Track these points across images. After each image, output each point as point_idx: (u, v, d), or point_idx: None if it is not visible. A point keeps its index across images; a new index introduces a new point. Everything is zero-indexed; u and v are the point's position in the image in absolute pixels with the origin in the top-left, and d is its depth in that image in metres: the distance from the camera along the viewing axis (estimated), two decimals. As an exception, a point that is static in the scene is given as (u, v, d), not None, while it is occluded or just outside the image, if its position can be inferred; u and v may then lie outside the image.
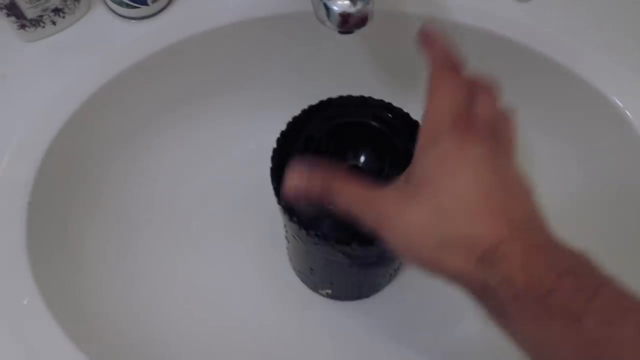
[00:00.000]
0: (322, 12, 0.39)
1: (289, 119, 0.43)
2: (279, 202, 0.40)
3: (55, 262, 0.46)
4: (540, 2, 0.51)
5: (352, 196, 0.34)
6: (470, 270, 0.30)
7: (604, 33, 0.50)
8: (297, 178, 0.35)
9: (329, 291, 0.54)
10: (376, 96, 0.44)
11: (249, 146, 0.59)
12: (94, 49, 0.48)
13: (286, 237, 0.50)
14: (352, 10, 0.38)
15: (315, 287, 0.55)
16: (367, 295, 0.55)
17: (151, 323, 0.51)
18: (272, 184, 0.40)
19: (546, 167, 0.50)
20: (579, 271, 0.28)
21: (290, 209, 0.40)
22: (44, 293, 0.42)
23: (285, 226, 0.46)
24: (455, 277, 0.31)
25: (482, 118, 0.35)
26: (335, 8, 0.38)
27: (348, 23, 0.38)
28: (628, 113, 0.48)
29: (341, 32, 0.39)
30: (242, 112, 0.58)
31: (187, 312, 0.53)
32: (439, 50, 0.36)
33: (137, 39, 0.48)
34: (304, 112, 0.43)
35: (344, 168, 0.39)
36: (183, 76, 0.53)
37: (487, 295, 0.30)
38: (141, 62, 0.49)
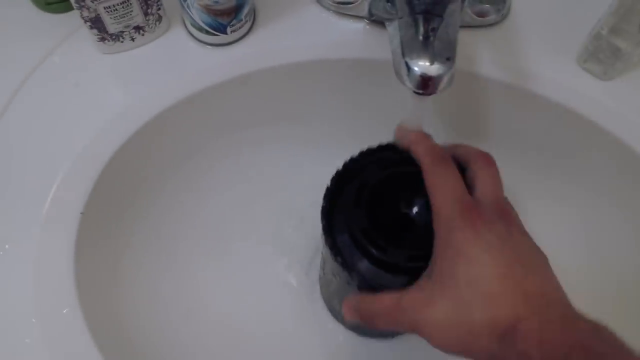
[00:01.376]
0: (403, 70, 0.38)
1: (345, 157, 0.43)
2: (326, 242, 0.41)
3: (98, 275, 0.46)
4: (624, 83, 0.50)
5: (386, 319, 0.38)
6: (494, 349, 0.33)
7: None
8: (348, 316, 0.40)
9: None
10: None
11: (300, 179, 0.59)
12: (167, 70, 0.49)
13: (322, 267, 0.50)
14: (434, 74, 0.37)
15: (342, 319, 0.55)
16: (393, 335, 0.56)
17: (182, 341, 0.51)
18: (322, 222, 0.41)
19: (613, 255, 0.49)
20: (589, 343, 0.30)
21: (336, 249, 0.40)
22: (83, 305, 0.42)
23: (323, 261, 0.47)
24: (482, 357, 0.34)
25: (487, 200, 0.37)
26: (416, 69, 0.37)
27: (428, 87, 0.38)
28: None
29: (416, 93, 0.39)
30: (298, 146, 0.58)
31: (219, 333, 0.53)
32: (423, 145, 0.39)
33: (209, 65, 0.49)
34: (361, 154, 0.43)
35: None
36: (247, 106, 0.53)
37: None
38: (210, 88, 0.49)
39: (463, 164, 0.39)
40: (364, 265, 0.39)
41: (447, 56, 0.38)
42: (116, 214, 0.49)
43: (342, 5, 0.50)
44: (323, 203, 0.41)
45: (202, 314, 0.54)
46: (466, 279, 0.34)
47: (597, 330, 0.31)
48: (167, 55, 0.49)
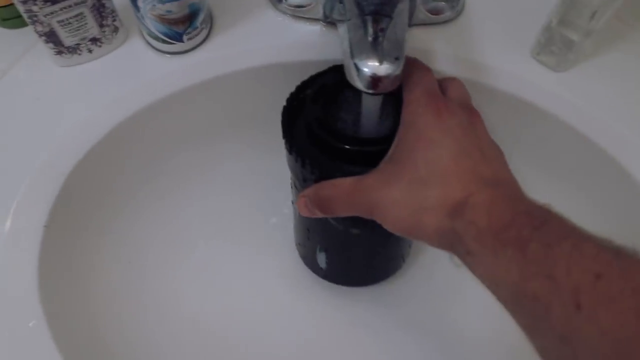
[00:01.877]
0: (353, 71, 0.39)
1: None
2: (284, 137, 0.43)
3: (64, 287, 0.46)
4: (577, 74, 0.51)
5: (344, 202, 0.39)
6: (442, 225, 0.35)
7: (636, 110, 0.49)
8: (303, 208, 0.42)
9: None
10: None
11: (266, 181, 0.60)
12: (127, 79, 0.49)
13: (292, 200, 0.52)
14: (383, 73, 0.38)
15: (312, 265, 0.58)
16: (365, 283, 0.59)
17: (154, 348, 0.52)
18: (281, 120, 0.44)
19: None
20: (535, 212, 0.32)
21: (291, 141, 0.43)
22: (49, 317, 0.42)
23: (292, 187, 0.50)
24: (430, 234, 0.36)
25: (454, 96, 0.40)
26: (365, 70, 0.38)
27: (378, 87, 0.38)
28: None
29: (368, 94, 0.39)
30: (262, 148, 0.58)
31: (193, 338, 0.54)
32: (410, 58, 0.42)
33: (167, 72, 0.49)
34: (330, 67, 0.46)
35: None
36: (209, 112, 0.54)
37: (455, 242, 0.34)
38: (170, 96, 0.49)
39: None
40: (315, 154, 0.42)
41: (395, 56, 0.38)
42: (81, 225, 0.49)
43: (297, 9, 0.51)
44: (285, 104, 0.45)
45: (174, 319, 0.54)
46: (424, 159, 0.36)
47: (543, 207, 0.32)
48: (126, 65, 0.50)
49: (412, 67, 0.41)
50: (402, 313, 0.58)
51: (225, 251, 0.59)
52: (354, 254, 0.54)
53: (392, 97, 0.41)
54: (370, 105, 0.42)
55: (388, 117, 0.43)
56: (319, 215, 0.41)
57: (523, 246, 0.30)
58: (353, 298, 0.58)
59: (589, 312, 0.26)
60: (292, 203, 0.52)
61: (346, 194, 0.39)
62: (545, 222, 0.30)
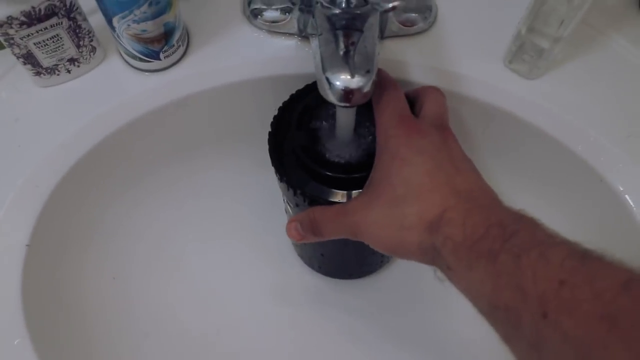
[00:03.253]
0: (325, 85, 0.39)
1: None
2: (273, 164, 0.44)
3: (48, 304, 0.47)
4: (549, 81, 0.52)
5: (331, 225, 0.41)
6: (423, 241, 0.35)
7: (608, 115, 0.50)
8: (294, 235, 0.43)
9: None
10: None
11: (248, 194, 0.61)
12: (106, 98, 0.49)
13: (285, 209, 0.53)
14: (354, 86, 0.39)
15: (309, 261, 0.60)
16: (358, 276, 0.60)
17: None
18: (268, 146, 0.45)
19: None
20: (507, 222, 0.32)
21: (281, 170, 0.44)
22: (34, 334, 0.43)
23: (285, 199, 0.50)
24: (414, 252, 0.36)
25: (429, 112, 0.41)
26: (337, 84, 0.39)
27: (350, 100, 0.39)
28: (628, 198, 0.48)
29: (341, 107, 0.40)
30: (243, 162, 0.59)
31: (182, 350, 0.54)
32: (377, 74, 0.41)
33: (146, 90, 0.50)
34: (307, 86, 0.48)
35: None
36: (189, 127, 0.54)
37: (436, 257, 0.35)
38: (149, 113, 0.50)
39: (414, 99, 0.43)
40: (305, 181, 0.44)
41: (366, 69, 0.39)
42: (64, 242, 0.49)
43: (273, 24, 0.52)
44: (270, 130, 0.46)
45: (162, 332, 0.54)
46: (400, 178, 0.37)
47: (517, 214, 0.33)
48: (105, 84, 0.50)
49: (381, 86, 0.42)
50: (396, 299, 0.59)
51: (214, 261, 0.59)
52: (348, 254, 0.55)
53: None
54: (345, 118, 0.43)
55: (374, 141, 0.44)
56: (310, 239, 0.43)
57: (494, 258, 0.30)
58: (348, 289, 0.60)
59: (554, 319, 0.26)
60: (286, 211, 0.53)
61: (332, 218, 0.41)
62: (515, 232, 0.31)
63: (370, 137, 0.45)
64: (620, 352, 0.24)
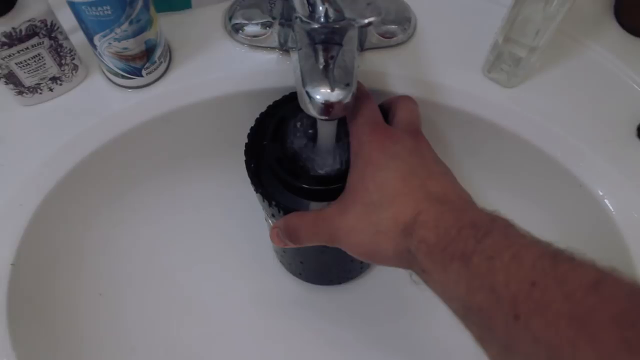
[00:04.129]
0: (306, 99, 0.40)
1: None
2: (248, 175, 0.45)
3: (34, 323, 0.47)
4: (528, 89, 0.52)
5: (309, 232, 0.41)
6: (398, 245, 0.36)
7: (586, 121, 0.51)
8: (276, 241, 0.44)
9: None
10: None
11: (232, 208, 0.62)
12: (89, 115, 0.50)
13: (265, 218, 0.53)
14: (334, 100, 0.39)
15: (290, 267, 0.61)
16: (339, 282, 0.61)
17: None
18: (245, 158, 0.45)
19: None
20: (480, 223, 0.32)
21: (256, 181, 0.45)
22: (20, 355, 0.43)
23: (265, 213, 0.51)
24: (390, 256, 0.37)
25: (401, 119, 0.42)
26: (318, 97, 0.39)
27: (330, 113, 0.39)
28: (607, 202, 0.49)
29: (322, 120, 0.40)
30: (228, 177, 0.59)
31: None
32: None
33: (129, 106, 0.50)
34: (284, 97, 0.48)
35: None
36: (173, 143, 0.55)
37: (411, 261, 0.35)
38: (133, 129, 0.50)
39: (387, 108, 0.44)
40: (280, 192, 0.44)
41: (346, 82, 0.39)
42: (49, 261, 0.49)
43: (254, 39, 0.52)
44: (247, 141, 0.46)
45: (150, 348, 0.55)
46: (374, 184, 0.38)
47: (490, 215, 0.34)
48: (88, 101, 0.50)
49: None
50: (377, 305, 0.60)
51: (198, 273, 0.60)
52: (326, 261, 0.56)
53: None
54: (326, 131, 0.43)
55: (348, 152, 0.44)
56: (289, 245, 0.43)
57: (467, 260, 0.31)
58: (330, 295, 0.61)
59: (525, 320, 0.27)
60: (266, 220, 0.53)
61: (310, 224, 0.41)
62: (488, 232, 0.31)
63: (346, 148, 0.45)
64: (588, 351, 0.24)
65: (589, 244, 0.49)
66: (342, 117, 0.44)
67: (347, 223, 0.39)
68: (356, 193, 0.39)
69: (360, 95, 0.43)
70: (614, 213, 0.48)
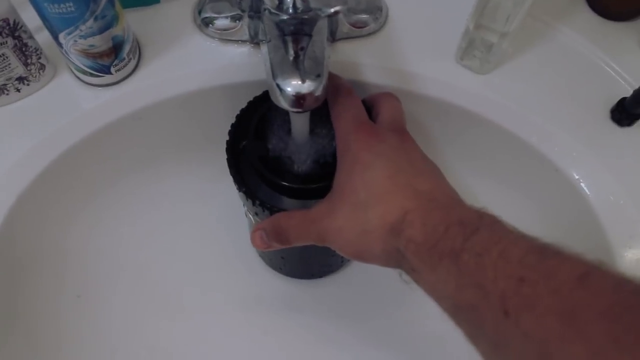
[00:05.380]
0: (277, 91, 0.39)
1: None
2: (230, 173, 0.44)
3: (9, 328, 0.46)
4: (501, 75, 0.52)
5: (298, 232, 0.41)
6: (387, 244, 0.35)
7: (559, 104, 0.51)
8: (259, 243, 0.42)
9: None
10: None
11: (211, 204, 0.61)
12: (58, 115, 0.49)
13: (245, 213, 0.53)
14: (305, 91, 0.39)
15: (270, 262, 0.60)
16: (320, 275, 0.61)
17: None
18: (227, 156, 0.44)
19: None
20: (467, 220, 0.32)
21: (239, 180, 0.44)
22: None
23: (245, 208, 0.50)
24: (379, 255, 0.37)
25: (386, 117, 0.41)
26: (288, 89, 0.39)
27: (302, 105, 0.39)
28: (584, 186, 0.49)
29: (294, 112, 0.40)
30: (204, 173, 0.59)
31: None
32: (332, 80, 0.43)
33: (99, 105, 0.49)
34: (265, 92, 0.47)
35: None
36: (147, 140, 0.54)
37: (400, 260, 0.35)
38: (104, 128, 0.49)
39: (370, 105, 0.43)
40: (264, 190, 0.44)
41: (316, 73, 0.39)
42: (24, 264, 0.49)
43: (224, 32, 0.51)
44: (227, 139, 0.45)
45: (130, 350, 0.54)
46: (362, 182, 0.37)
47: (477, 212, 0.33)
48: (57, 101, 0.49)
49: (336, 92, 0.42)
50: (359, 297, 0.60)
51: (177, 271, 0.59)
52: (308, 256, 0.56)
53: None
54: (299, 123, 0.43)
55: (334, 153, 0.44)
56: (276, 246, 0.42)
57: (456, 257, 0.31)
58: (313, 289, 0.61)
59: (515, 316, 0.27)
60: (246, 215, 0.53)
61: (298, 224, 0.41)
62: (476, 230, 0.31)
63: (329, 146, 0.45)
64: (577, 345, 0.24)
65: (566, 228, 0.50)
66: (319, 112, 0.45)
67: (336, 223, 0.38)
68: (344, 192, 0.38)
69: (344, 92, 0.42)
70: (590, 196, 0.48)
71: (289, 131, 0.45)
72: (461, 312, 0.31)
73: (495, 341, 0.28)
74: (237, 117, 0.47)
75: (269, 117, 0.46)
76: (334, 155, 0.42)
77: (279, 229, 0.41)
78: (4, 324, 0.46)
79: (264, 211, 0.44)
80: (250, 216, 0.49)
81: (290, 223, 0.41)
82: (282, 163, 0.45)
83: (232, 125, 0.46)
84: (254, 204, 0.44)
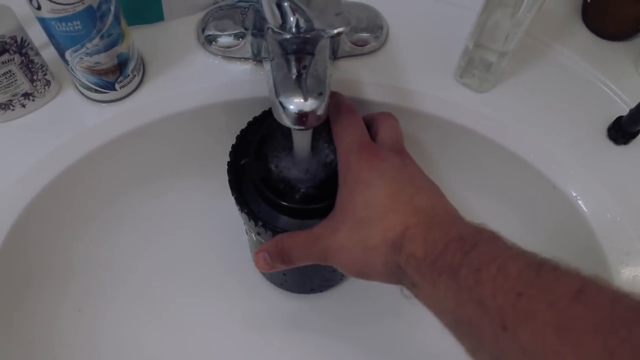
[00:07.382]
0: (280, 109, 0.40)
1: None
2: (232, 195, 0.45)
3: (9, 342, 0.46)
4: (499, 93, 0.53)
5: (301, 252, 0.41)
6: (388, 261, 0.36)
7: (557, 123, 0.52)
8: (262, 265, 0.43)
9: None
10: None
11: (212, 221, 0.62)
12: (63, 131, 0.49)
13: (246, 231, 0.54)
14: (308, 109, 0.39)
15: (271, 278, 0.61)
16: (320, 290, 0.62)
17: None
18: (228, 177, 0.45)
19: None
20: (466, 236, 0.33)
21: (241, 201, 0.44)
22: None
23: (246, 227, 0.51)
24: (380, 272, 0.37)
25: (386, 137, 0.42)
26: (291, 107, 0.39)
27: (304, 123, 0.39)
28: (581, 203, 0.49)
29: (296, 130, 0.41)
30: (206, 188, 0.59)
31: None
32: (334, 98, 0.43)
33: (103, 121, 0.50)
34: (265, 112, 0.48)
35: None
36: (149, 156, 0.54)
37: (401, 276, 0.36)
38: (108, 144, 0.50)
39: (369, 124, 0.44)
40: (266, 210, 0.44)
41: (319, 91, 0.40)
42: (25, 279, 0.49)
43: (228, 49, 0.52)
44: (229, 158, 0.46)
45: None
46: (363, 201, 0.38)
47: (476, 228, 0.34)
48: (62, 116, 0.50)
49: (338, 110, 0.43)
50: (358, 311, 0.61)
51: (178, 287, 0.59)
52: (310, 272, 0.56)
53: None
54: (300, 140, 0.44)
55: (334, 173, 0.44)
56: (279, 267, 0.43)
57: (455, 273, 0.31)
58: (312, 304, 0.61)
59: (512, 331, 0.27)
60: (246, 232, 0.53)
61: (302, 244, 0.41)
62: (475, 245, 0.32)
63: (331, 166, 0.45)
64: (573, 359, 0.24)
65: (563, 245, 0.50)
66: (321, 131, 0.45)
67: (338, 241, 0.39)
68: (346, 211, 0.39)
69: (345, 110, 0.43)
70: (587, 213, 0.49)
71: (290, 151, 0.46)
72: (461, 327, 0.32)
73: (495, 356, 0.29)
74: (238, 137, 0.47)
75: (270, 136, 0.47)
76: (335, 174, 0.42)
77: (282, 250, 0.42)
78: (3, 337, 0.46)
79: (266, 232, 0.44)
80: (252, 234, 0.49)
81: (293, 243, 0.42)
82: (283, 182, 0.45)
83: (233, 147, 0.47)
84: (256, 224, 0.44)
